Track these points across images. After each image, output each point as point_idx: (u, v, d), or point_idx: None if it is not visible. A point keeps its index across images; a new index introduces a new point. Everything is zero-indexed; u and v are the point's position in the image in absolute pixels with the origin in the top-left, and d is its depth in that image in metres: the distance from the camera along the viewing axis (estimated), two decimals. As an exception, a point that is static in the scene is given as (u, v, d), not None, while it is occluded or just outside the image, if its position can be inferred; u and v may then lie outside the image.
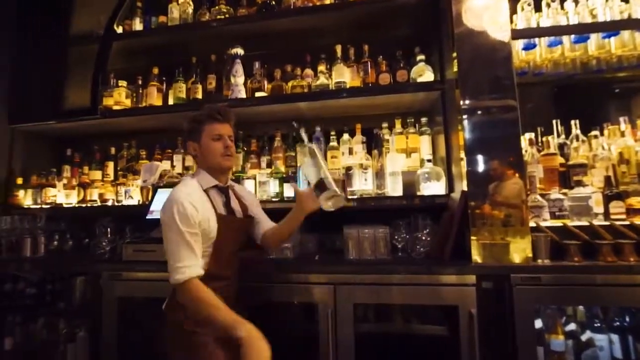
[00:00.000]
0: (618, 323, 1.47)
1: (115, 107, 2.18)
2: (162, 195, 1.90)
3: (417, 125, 1.99)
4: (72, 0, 2.37)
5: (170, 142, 2.33)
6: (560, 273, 1.38)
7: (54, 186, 2.30)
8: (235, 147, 1.36)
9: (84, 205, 2.25)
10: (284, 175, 1.99)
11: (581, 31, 1.73)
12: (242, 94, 2.04)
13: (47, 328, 1.91)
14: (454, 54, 1.60)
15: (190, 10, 2.24)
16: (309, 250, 1.88)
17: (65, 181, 2.32)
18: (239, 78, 2.04)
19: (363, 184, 1.85)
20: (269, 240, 1.42)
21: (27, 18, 2.43)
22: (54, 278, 1.95)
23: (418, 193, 1.80)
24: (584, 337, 1.50)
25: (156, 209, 1.86)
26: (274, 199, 1.94)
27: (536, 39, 1.83)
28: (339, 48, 2.01)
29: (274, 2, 2.08)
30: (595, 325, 1.49)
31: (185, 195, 1.18)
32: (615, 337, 1.46)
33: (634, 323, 1.46)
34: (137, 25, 2.28)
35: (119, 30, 2.26)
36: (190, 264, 1.12)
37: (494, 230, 1.46)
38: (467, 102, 1.54)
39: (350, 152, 1.94)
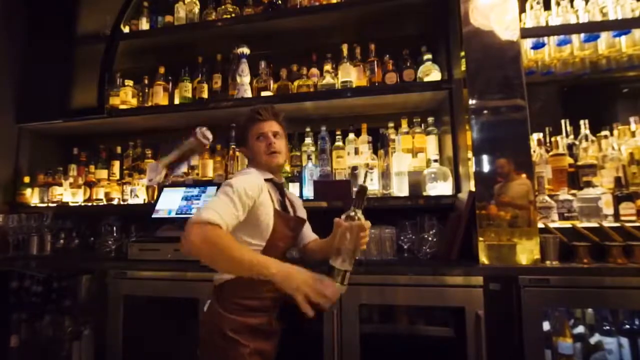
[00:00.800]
0: (628, 326, 1.44)
1: (122, 107, 2.19)
2: (167, 195, 1.90)
3: (423, 125, 1.98)
4: (79, 0, 2.39)
5: (176, 141, 2.32)
6: (569, 275, 1.36)
7: (60, 185, 2.31)
8: (283, 143, 1.30)
9: (90, 203, 2.26)
10: (289, 175, 1.99)
11: (591, 30, 1.71)
12: (248, 94, 2.04)
13: (52, 326, 1.92)
14: (462, 53, 1.58)
15: (196, 9, 2.24)
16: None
17: (71, 180, 2.33)
18: (244, 77, 2.04)
19: (369, 184, 1.84)
20: (311, 253, 1.35)
21: (35, 19, 2.45)
22: (60, 276, 1.96)
23: (424, 193, 1.78)
24: (592, 340, 1.48)
25: (162, 208, 1.86)
26: (279, 199, 1.93)
27: (545, 38, 1.81)
28: (345, 47, 2.00)
29: (280, 2, 2.08)
30: (605, 328, 1.47)
31: (249, 176, 1.15)
32: (624, 341, 1.44)
33: (645, 326, 1.44)
34: (144, 25, 2.29)
35: (126, 30, 2.27)
36: (226, 214, 1.02)
37: (501, 231, 1.45)
38: (475, 101, 1.52)
39: (356, 151, 1.93)
